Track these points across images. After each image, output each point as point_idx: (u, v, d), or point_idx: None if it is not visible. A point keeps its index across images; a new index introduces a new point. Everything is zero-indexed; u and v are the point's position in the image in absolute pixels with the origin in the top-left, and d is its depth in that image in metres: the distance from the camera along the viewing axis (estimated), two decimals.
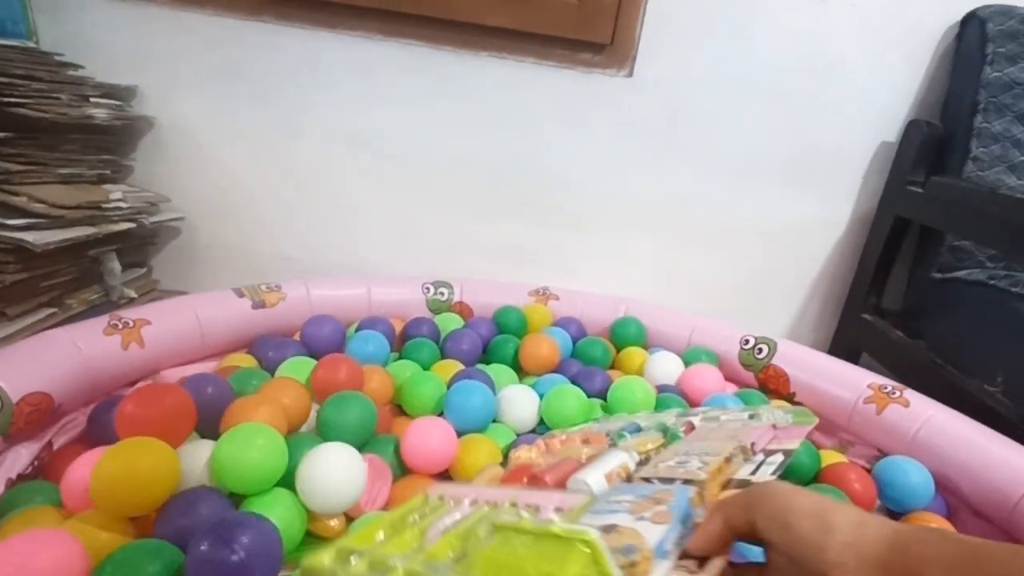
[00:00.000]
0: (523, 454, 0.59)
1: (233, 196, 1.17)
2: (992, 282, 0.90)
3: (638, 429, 0.57)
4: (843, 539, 0.27)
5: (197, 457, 0.54)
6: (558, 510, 0.36)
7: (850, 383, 0.86)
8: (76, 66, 1.02)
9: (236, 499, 0.55)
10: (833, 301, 1.23)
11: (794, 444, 0.44)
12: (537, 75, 1.08)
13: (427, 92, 1.11)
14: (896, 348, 1.02)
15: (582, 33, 1.04)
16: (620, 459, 0.46)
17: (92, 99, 0.99)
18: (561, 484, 0.45)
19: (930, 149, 1.03)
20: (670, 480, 0.40)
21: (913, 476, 0.71)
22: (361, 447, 0.66)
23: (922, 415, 0.78)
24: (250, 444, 0.52)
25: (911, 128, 1.06)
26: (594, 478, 0.43)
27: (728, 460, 0.41)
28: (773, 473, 0.40)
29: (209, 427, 0.61)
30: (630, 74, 1.08)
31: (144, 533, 0.49)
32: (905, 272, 1.13)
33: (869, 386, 0.84)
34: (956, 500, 0.73)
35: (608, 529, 0.33)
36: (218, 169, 1.16)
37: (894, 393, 0.82)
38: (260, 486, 0.53)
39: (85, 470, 0.48)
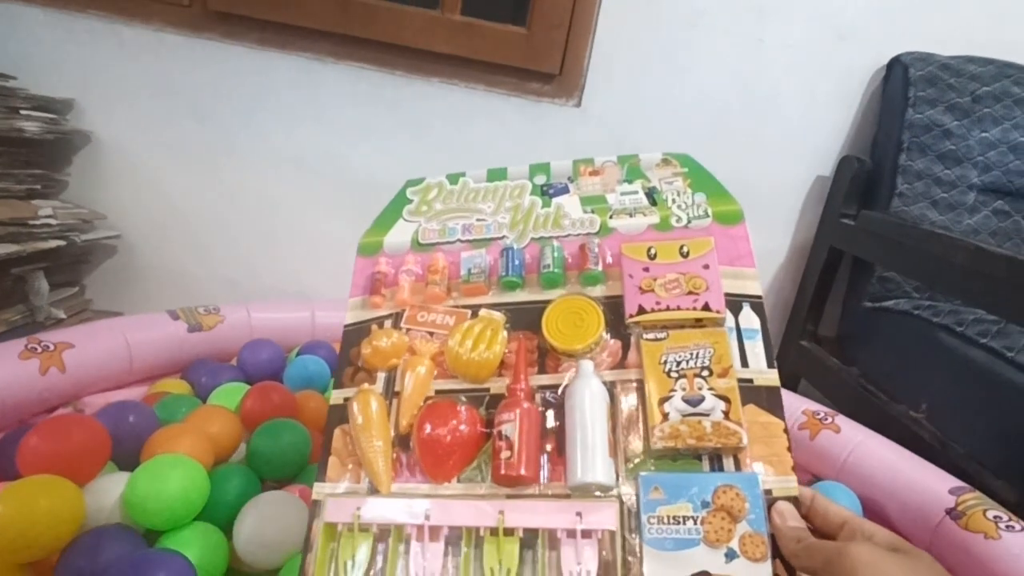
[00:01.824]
0: (382, 341, 0.45)
1: (173, 215, 1.14)
2: (916, 312, 0.95)
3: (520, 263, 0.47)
4: None
5: (111, 492, 0.51)
6: (585, 535, 0.32)
7: (785, 410, 0.88)
8: (7, 76, 0.98)
9: (153, 536, 0.52)
10: (774, 328, 1.26)
11: (751, 283, 0.40)
12: (487, 103, 1.10)
13: (377, 116, 1.11)
14: (831, 375, 1.06)
15: (531, 63, 1.06)
16: (600, 408, 0.37)
17: (22, 111, 0.95)
18: (532, 458, 0.37)
19: (861, 184, 1.09)
20: (699, 449, 0.35)
21: (842, 501, 0.73)
22: (294, 477, 0.65)
23: (851, 441, 0.80)
24: (166, 477, 0.50)
25: (843, 164, 1.11)
26: (603, 472, 0.35)
27: (726, 371, 0.37)
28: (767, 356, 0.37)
29: (130, 458, 0.58)
30: (578, 104, 1.10)
31: None
32: (840, 301, 1.17)
33: (803, 412, 0.86)
34: (882, 523, 0.75)
35: None
36: (158, 187, 1.13)
37: (826, 420, 0.84)
38: (176, 521, 0.51)
39: None
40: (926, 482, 0.72)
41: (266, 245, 1.18)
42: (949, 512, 0.67)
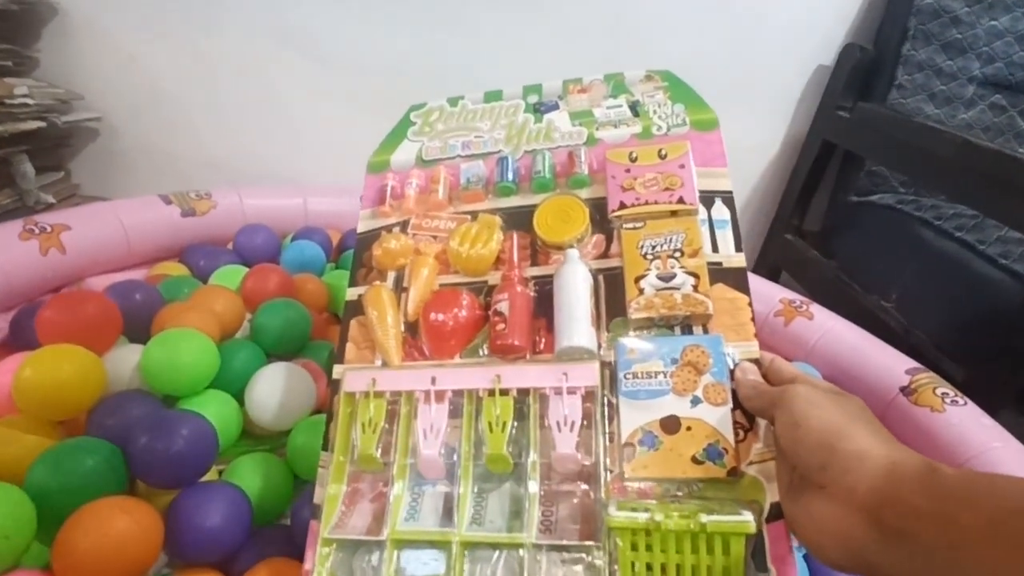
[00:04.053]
0: (391, 243, 0.49)
1: (154, 95, 1.10)
2: (899, 206, 0.97)
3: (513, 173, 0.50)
4: (842, 465, 0.28)
5: (127, 361, 0.55)
6: (570, 392, 0.37)
7: (764, 298, 0.92)
8: None
9: (170, 401, 0.56)
10: (761, 221, 1.29)
11: (723, 180, 0.44)
12: None
13: None
14: (811, 266, 1.10)
15: None
16: (584, 287, 0.41)
17: None
18: (524, 330, 0.41)
19: (861, 74, 1.06)
20: (672, 319, 0.39)
21: None
22: (297, 352, 0.68)
23: (822, 327, 0.85)
24: (180, 347, 0.53)
25: (846, 52, 1.08)
26: (588, 338, 0.39)
27: (696, 252, 0.40)
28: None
29: (139, 333, 0.61)
30: None
31: (72, 435, 0.50)
32: (827, 195, 1.19)
33: (780, 300, 0.90)
34: None
35: (671, 424, 0.35)
36: (135, 64, 1.08)
37: (801, 307, 0.89)
38: (191, 388, 0.55)
39: (7, 376, 0.48)
40: (886, 363, 0.78)
41: (252, 125, 1.15)
42: (903, 389, 0.73)
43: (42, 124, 0.95)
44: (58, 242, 0.72)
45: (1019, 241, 0.81)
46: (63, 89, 1.03)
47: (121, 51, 1.06)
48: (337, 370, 0.45)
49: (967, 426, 0.67)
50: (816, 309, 0.88)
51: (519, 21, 1.07)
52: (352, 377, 0.43)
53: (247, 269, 0.76)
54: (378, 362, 0.44)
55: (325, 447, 0.42)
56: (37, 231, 0.71)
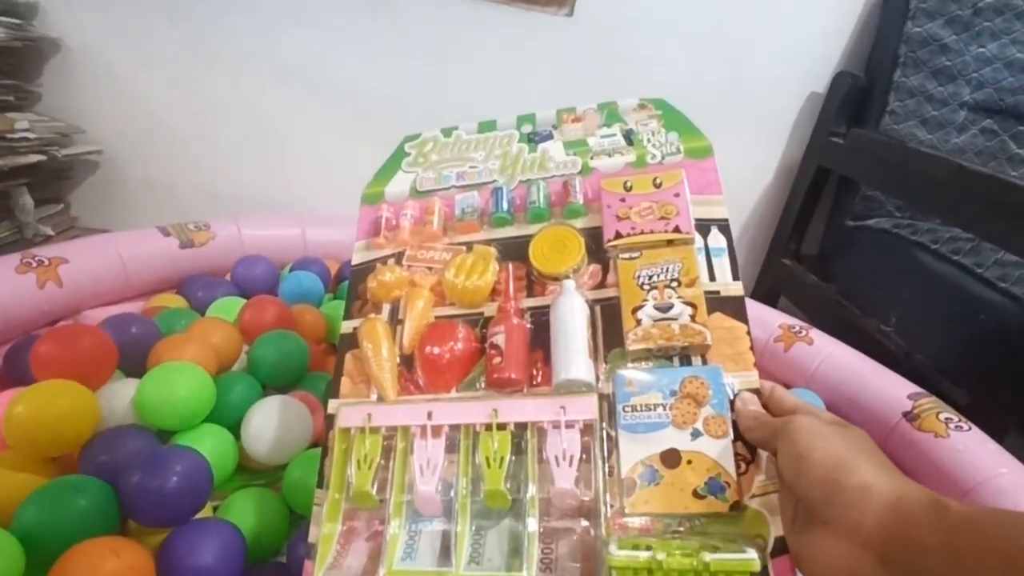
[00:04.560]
0: (386, 275, 0.48)
1: (153, 128, 1.11)
2: (896, 230, 0.97)
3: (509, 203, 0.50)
4: (847, 499, 0.28)
5: (122, 396, 0.54)
6: (568, 426, 0.36)
7: (763, 323, 0.92)
8: None
9: (164, 436, 0.55)
10: (758, 247, 1.29)
11: (719, 208, 0.44)
12: (475, 11, 1.05)
13: (360, 22, 1.06)
14: (810, 291, 1.10)
15: None
16: (581, 318, 0.41)
17: None
18: (521, 363, 0.41)
19: (853, 101, 1.08)
20: (670, 350, 0.38)
21: None
22: (294, 384, 0.68)
23: (823, 352, 0.85)
24: (175, 382, 0.53)
25: (838, 79, 1.10)
26: (585, 370, 0.39)
27: (693, 282, 0.40)
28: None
29: (135, 367, 0.60)
30: (570, 13, 1.06)
31: (64, 472, 0.49)
32: (823, 220, 1.19)
33: (779, 326, 0.90)
34: None
35: (671, 457, 0.34)
36: (136, 98, 1.09)
37: (800, 332, 0.88)
38: (187, 422, 0.54)
39: None
40: (887, 388, 0.77)
41: (251, 157, 1.16)
42: (906, 415, 0.73)
43: (42, 158, 0.96)
44: (55, 275, 0.72)
45: (1016, 264, 0.81)
46: (64, 123, 1.04)
47: (122, 85, 1.08)
48: (332, 405, 0.44)
49: (973, 452, 0.67)
50: (816, 334, 0.88)
51: (513, 52, 1.09)
52: (347, 412, 0.42)
53: (245, 300, 0.76)
54: (373, 396, 0.44)
55: (320, 484, 0.41)
56: (35, 264, 0.71)
